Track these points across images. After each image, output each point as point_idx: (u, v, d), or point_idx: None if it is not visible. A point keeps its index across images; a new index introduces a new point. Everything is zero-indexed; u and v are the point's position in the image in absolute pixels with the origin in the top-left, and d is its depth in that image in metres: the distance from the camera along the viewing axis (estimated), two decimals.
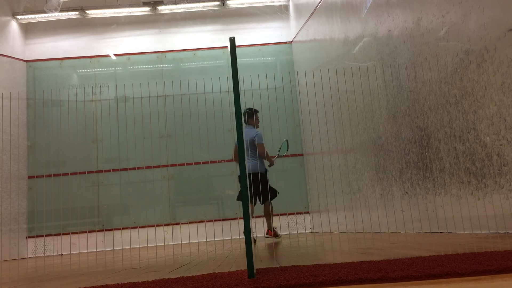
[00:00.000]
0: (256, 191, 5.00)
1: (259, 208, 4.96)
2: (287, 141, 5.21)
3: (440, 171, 3.21)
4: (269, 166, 5.13)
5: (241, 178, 1.62)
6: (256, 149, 4.96)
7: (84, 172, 6.65)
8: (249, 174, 4.85)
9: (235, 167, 6.61)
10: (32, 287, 2.07)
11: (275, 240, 4.97)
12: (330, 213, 5.68)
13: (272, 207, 5.05)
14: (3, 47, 6.61)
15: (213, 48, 7.27)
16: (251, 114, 5.07)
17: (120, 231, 6.43)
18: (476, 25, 2.74)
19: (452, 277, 1.24)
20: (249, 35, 7.28)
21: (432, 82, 3.24)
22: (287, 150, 5.21)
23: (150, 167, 6.66)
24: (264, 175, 5.06)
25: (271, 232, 5.03)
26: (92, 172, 6.63)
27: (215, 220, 6.30)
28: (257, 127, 5.10)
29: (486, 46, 2.66)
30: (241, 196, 4.14)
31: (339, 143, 5.18)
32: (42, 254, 6.34)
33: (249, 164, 4.95)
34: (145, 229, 6.34)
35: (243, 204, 1.57)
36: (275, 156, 5.13)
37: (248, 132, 5.04)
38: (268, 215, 5.00)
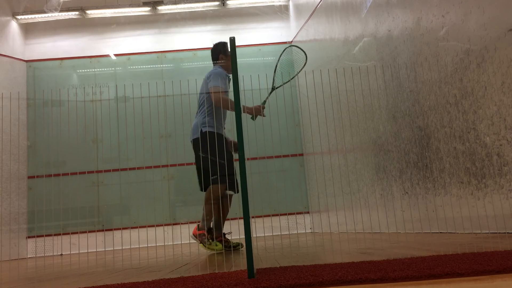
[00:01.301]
0: (197, 169, 3.42)
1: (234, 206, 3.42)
2: (301, 49, 3.56)
3: (440, 171, 3.21)
4: (252, 118, 3.49)
5: (241, 177, 1.62)
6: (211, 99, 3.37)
7: (84, 172, 6.65)
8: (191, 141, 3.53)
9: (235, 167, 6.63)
10: (32, 287, 2.06)
11: (205, 250, 3.39)
12: (330, 213, 5.68)
13: (224, 199, 3.27)
14: (3, 47, 6.60)
15: None
16: (217, 50, 3.72)
17: (120, 231, 6.43)
18: (476, 25, 2.74)
19: (452, 277, 1.24)
20: (249, 35, 7.28)
21: (432, 82, 3.24)
22: (303, 66, 3.53)
23: (150, 167, 6.66)
24: (210, 139, 3.30)
25: (201, 231, 3.26)
26: (92, 172, 6.63)
27: None
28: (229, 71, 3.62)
29: (486, 46, 2.66)
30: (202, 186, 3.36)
31: (339, 143, 5.18)
32: (42, 254, 6.33)
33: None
34: (145, 229, 6.34)
35: (243, 203, 1.57)
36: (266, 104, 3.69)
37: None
38: (209, 205, 3.25)
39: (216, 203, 3.29)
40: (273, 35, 7.34)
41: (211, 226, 3.41)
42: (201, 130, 3.45)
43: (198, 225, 3.43)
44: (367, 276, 1.30)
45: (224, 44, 3.82)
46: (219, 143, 3.42)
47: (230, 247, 3.32)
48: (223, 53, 3.76)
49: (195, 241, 3.44)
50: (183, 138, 6.82)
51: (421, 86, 3.40)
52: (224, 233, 3.41)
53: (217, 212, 3.32)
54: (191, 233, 3.44)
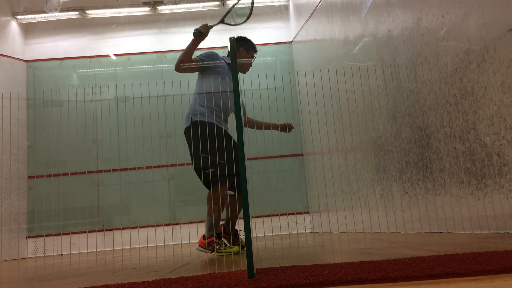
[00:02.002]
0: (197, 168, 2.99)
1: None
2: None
3: (440, 171, 3.21)
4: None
5: (241, 177, 1.62)
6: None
7: (84, 172, 6.65)
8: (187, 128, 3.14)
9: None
10: (32, 287, 2.06)
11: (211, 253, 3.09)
12: (330, 213, 5.68)
13: (226, 201, 3.03)
14: (3, 47, 6.60)
15: (213, 48, 7.27)
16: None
17: (120, 231, 6.43)
18: (476, 25, 2.74)
19: (452, 277, 1.24)
20: (249, 35, 7.27)
21: (432, 82, 3.24)
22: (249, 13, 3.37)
23: (150, 167, 6.66)
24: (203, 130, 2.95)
25: (210, 239, 3.01)
26: (92, 172, 6.63)
27: None
28: (243, 71, 3.35)
29: (486, 46, 2.66)
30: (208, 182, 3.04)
31: (339, 143, 5.18)
32: (42, 254, 6.33)
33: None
34: (145, 229, 6.34)
35: (243, 203, 1.57)
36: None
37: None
38: (209, 206, 2.99)
39: (216, 203, 3.04)
40: (273, 35, 7.34)
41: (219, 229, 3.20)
42: (192, 119, 3.07)
43: (203, 235, 3.13)
44: (367, 276, 1.30)
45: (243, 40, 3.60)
46: (219, 136, 3.07)
47: (222, 252, 3.07)
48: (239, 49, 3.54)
49: (204, 252, 3.11)
50: (183, 138, 6.82)
51: (421, 86, 3.40)
52: (217, 234, 3.16)
53: (217, 214, 3.09)
54: (196, 247, 3.15)
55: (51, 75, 7.06)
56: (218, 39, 7.37)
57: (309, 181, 6.73)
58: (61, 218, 6.29)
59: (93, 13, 7.04)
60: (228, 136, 3.22)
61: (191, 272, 1.95)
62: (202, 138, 2.97)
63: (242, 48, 3.59)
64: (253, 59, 3.54)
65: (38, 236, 6.42)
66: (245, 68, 3.48)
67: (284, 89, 7.03)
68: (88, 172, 6.63)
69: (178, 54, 3.52)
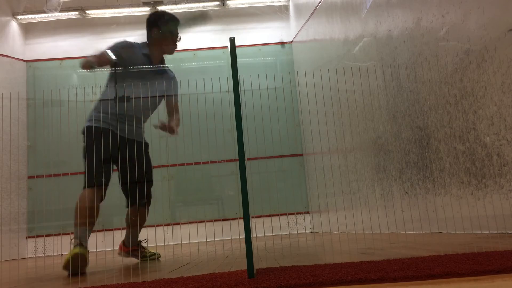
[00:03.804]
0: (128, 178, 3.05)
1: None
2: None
3: (440, 171, 3.21)
4: (161, 128, 3.12)
5: (241, 177, 1.61)
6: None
7: (84, 172, 6.64)
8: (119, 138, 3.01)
9: (235, 167, 6.59)
10: (32, 287, 2.06)
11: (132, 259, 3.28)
12: (330, 213, 5.68)
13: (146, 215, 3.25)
14: (3, 47, 6.60)
15: (213, 48, 7.27)
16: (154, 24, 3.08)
17: (120, 231, 6.42)
18: (476, 25, 2.74)
19: (452, 277, 1.24)
20: (249, 35, 7.28)
21: (432, 82, 3.24)
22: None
23: None
24: (145, 149, 3.09)
25: (130, 247, 3.27)
26: None
27: (215, 220, 6.29)
28: (170, 53, 3.20)
29: (486, 46, 2.66)
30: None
31: (339, 143, 5.18)
32: (42, 254, 6.33)
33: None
34: (145, 229, 6.33)
35: (243, 203, 1.57)
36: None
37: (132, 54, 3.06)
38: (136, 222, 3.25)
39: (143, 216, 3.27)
40: (273, 35, 7.34)
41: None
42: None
43: (123, 241, 3.36)
44: (367, 276, 1.30)
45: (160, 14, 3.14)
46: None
47: (146, 257, 3.24)
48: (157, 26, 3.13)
49: (126, 257, 3.29)
50: (183, 138, 6.80)
51: (421, 86, 3.40)
52: (140, 240, 3.35)
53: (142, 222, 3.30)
54: (118, 252, 3.33)
55: (51, 75, 7.06)
56: (218, 39, 7.39)
57: (309, 181, 6.73)
58: (61, 218, 6.29)
59: (93, 13, 7.04)
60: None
61: (191, 272, 1.95)
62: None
63: (155, 28, 3.25)
64: (178, 38, 3.21)
65: (38, 236, 6.42)
66: (168, 48, 3.27)
67: (284, 89, 7.03)
68: None
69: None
